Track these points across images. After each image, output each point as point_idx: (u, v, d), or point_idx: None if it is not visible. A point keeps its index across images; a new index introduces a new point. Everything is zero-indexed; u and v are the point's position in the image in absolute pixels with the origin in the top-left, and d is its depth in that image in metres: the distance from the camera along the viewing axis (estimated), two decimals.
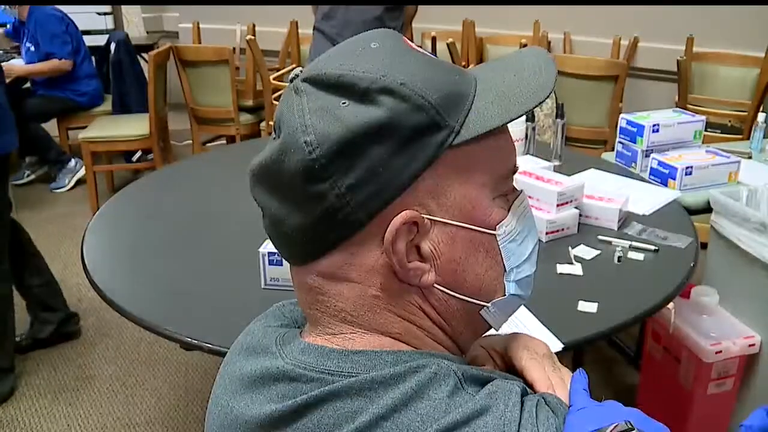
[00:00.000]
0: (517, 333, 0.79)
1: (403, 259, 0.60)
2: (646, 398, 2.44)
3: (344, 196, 0.58)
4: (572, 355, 2.57)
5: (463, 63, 4.50)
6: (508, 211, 0.66)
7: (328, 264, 0.62)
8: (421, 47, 0.67)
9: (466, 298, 0.65)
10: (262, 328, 0.72)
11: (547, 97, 0.63)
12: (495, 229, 0.65)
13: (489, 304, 0.67)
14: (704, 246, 2.34)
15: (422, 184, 0.60)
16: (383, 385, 0.58)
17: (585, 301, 1.55)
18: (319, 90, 0.61)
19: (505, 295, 0.68)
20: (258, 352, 0.68)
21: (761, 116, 2.89)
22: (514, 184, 0.69)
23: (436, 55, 0.68)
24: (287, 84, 0.65)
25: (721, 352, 2.08)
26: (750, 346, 2.12)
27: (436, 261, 0.62)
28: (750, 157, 2.76)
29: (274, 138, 0.63)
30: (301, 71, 0.64)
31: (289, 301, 0.77)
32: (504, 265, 0.67)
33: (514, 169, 0.68)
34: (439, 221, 0.62)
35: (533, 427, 0.56)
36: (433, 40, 4.48)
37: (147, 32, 6.06)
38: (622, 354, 2.82)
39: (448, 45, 3.98)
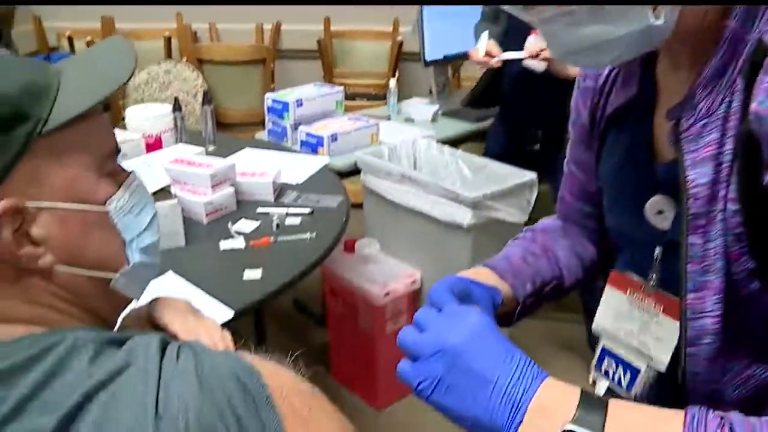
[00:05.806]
0: (159, 297, 0.83)
1: (10, 248, 0.61)
2: (337, 352, 2.62)
3: None
4: (253, 322, 2.67)
5: None
6: (119, 187, 0.69)
7: None
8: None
9: (92, 273, 0.67)
10: None
11: (129, 78, 0.69)
12: (105, 205, 0.67)
13: (117, 275, 0.69)
14: (362, 205, 2.57)
15: (19, 173, 0.61)
16: (22, 369, 0.57)
17: (250, 269, 1.62)
18: None
19: (130, 264, 0.70)
20: None
21: (392, 82, 3.23)
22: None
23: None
24: None
25: (389, 293, 2.32)
26: (412, 283, 2.39)
27: (50, 243, 0.64)
28: (389, 119, 3.08)
29: None
30: None
31: None
32: (123, 236, 0.70)
33: (117, 149, 0.72)
34: (46, 205, 0.63)
35: (174, 368, 0.59)
36: (70, 39, 4.22)
37: None
38: (310, 317, 2.98)
39: (87, 44, 3.79)
